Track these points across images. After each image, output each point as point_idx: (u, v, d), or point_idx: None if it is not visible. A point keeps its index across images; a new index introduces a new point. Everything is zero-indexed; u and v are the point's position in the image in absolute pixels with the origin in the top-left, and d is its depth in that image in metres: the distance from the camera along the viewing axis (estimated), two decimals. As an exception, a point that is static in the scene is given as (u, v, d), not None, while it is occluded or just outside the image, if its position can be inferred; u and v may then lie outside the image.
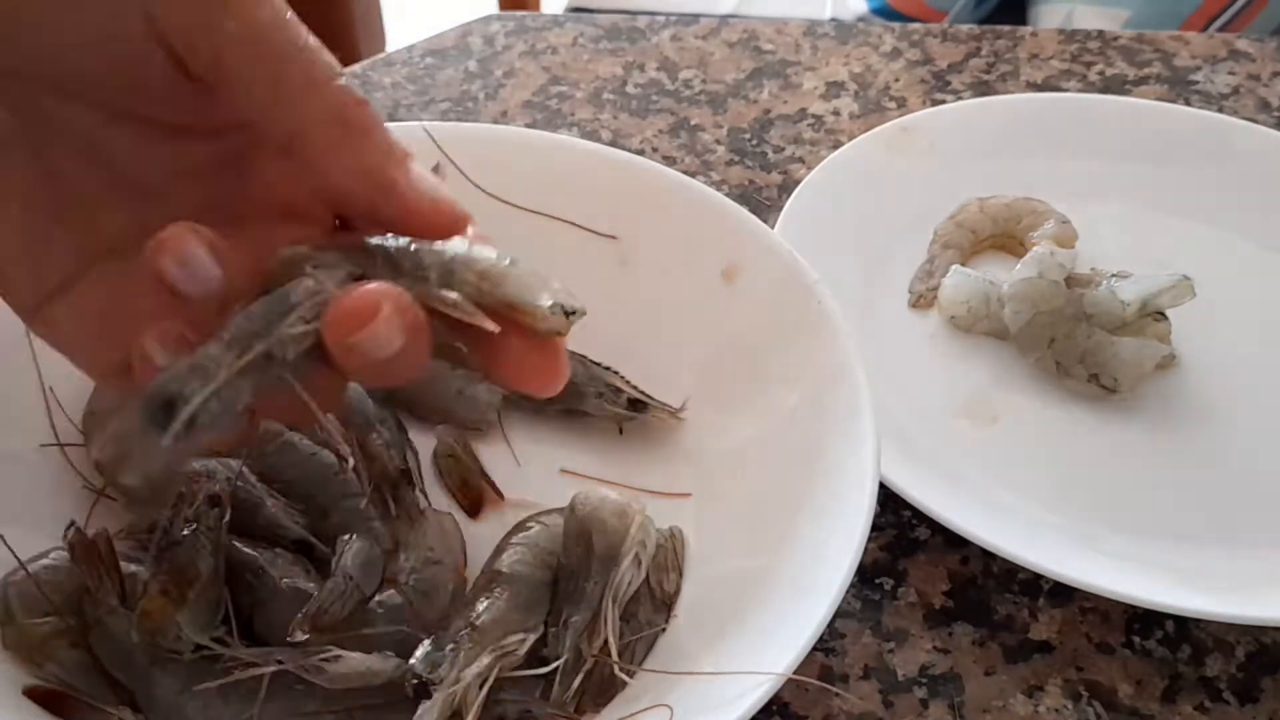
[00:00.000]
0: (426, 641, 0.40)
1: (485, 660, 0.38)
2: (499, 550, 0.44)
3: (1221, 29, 0.99)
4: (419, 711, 0.37)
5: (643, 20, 0.83)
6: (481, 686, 0.38)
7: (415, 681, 0.38)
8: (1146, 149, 0.67)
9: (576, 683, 0.40)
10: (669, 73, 0.78)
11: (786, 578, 0.41)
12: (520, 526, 0.45)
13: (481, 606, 0.41)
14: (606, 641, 0.40)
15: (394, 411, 0.50)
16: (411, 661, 0.39)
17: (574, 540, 0.43)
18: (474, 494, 0.48)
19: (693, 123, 0.73)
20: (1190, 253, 0.60)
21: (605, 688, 0.41)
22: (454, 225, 0.28)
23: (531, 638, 0.41)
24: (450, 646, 0.39)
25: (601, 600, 0.41)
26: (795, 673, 0.36)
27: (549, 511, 0.46)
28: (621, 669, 0.40)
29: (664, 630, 0.43)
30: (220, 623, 0.40)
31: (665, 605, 0.44)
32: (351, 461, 0.45)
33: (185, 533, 0.40)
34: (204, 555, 0.40)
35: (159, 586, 0.39)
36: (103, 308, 0.29)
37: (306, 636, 0.38)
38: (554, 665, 0.40)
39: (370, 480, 0.46)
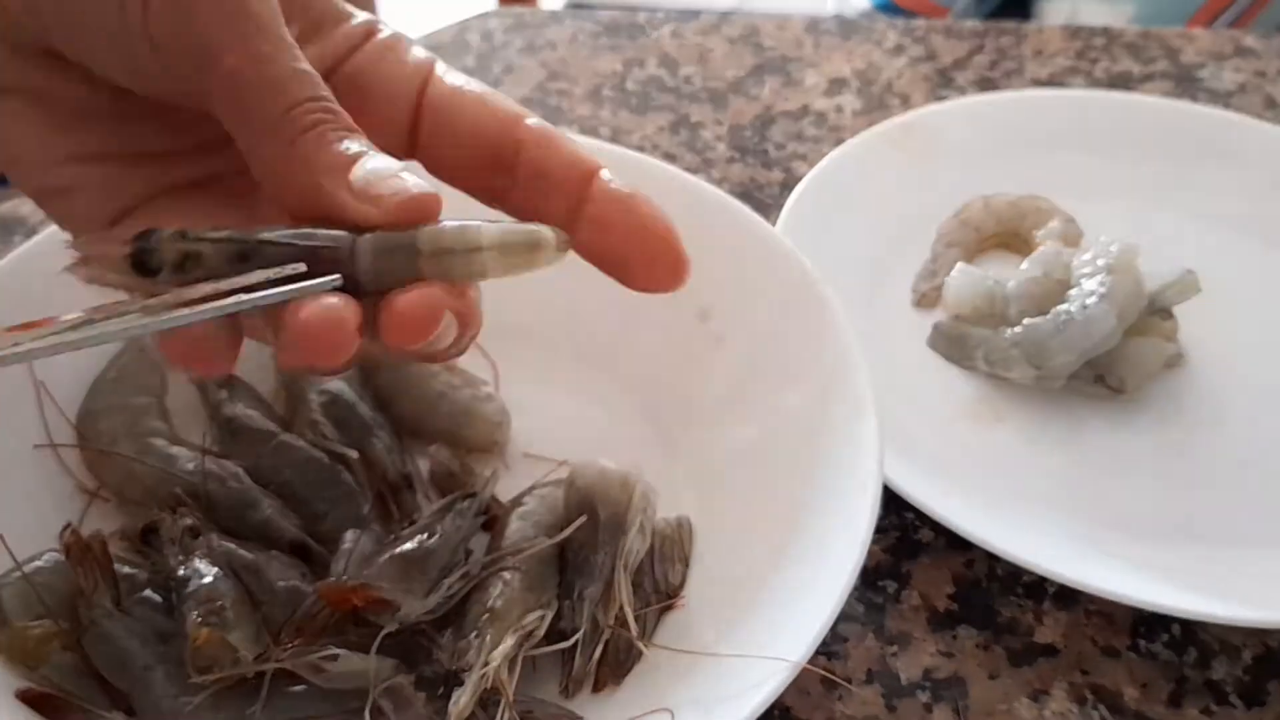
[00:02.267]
0: (446, 632, 0.40)
1: (509, 642, 0.39)
2: (499, 529, 0.44)
3: (1228, 24, 0.99)
4: (452, 699, 0.37)
5: (643, 16, 0.82)
6: (510, 667, 0.39)
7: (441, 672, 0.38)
8: (1152, 146, 0.67)
9: (596, 654, 0.41)
10: (669, 69, 0.77)
11: (792, 574, 0.41)
12: (516, 502, 0.45)
13: (496, 590, 0.41)
14: (622, 609, 0.41)
15: (390, 422, 0.49)
16: (437, 654, 0.39)
17: (576, 513, 0.44)
18: (492, 520, 0.47)
19: (693, 120, 0.73)
20: (1196, 250, 0.59)
21: (623, 659, 0.41)
22: (422, 215, 0.27)
23: (549, 614, 0.41)
24: (474, 633, 0.39)
25: (613, 571, 0.42)
26: (796, 673, 0.36)
27: (542, 484, 0.46)
28: (637, 638, 0.41)
29: (671, 606, 0.43)
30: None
31: (670, 597, 0.44)
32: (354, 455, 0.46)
33: (183, 571, 0.40)
34: (216, 577, 0.40)
35: (197, 620, 0.38)
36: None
37: (299, 640, 0.38)
38: (574, 639, 0.41)
39: (371, 485, 0.46)
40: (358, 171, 0.27)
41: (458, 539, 0.42)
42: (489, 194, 0.31)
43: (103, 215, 0.30)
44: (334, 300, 0.26)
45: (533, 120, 0.30)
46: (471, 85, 0.31)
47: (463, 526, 0.42)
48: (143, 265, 0.26)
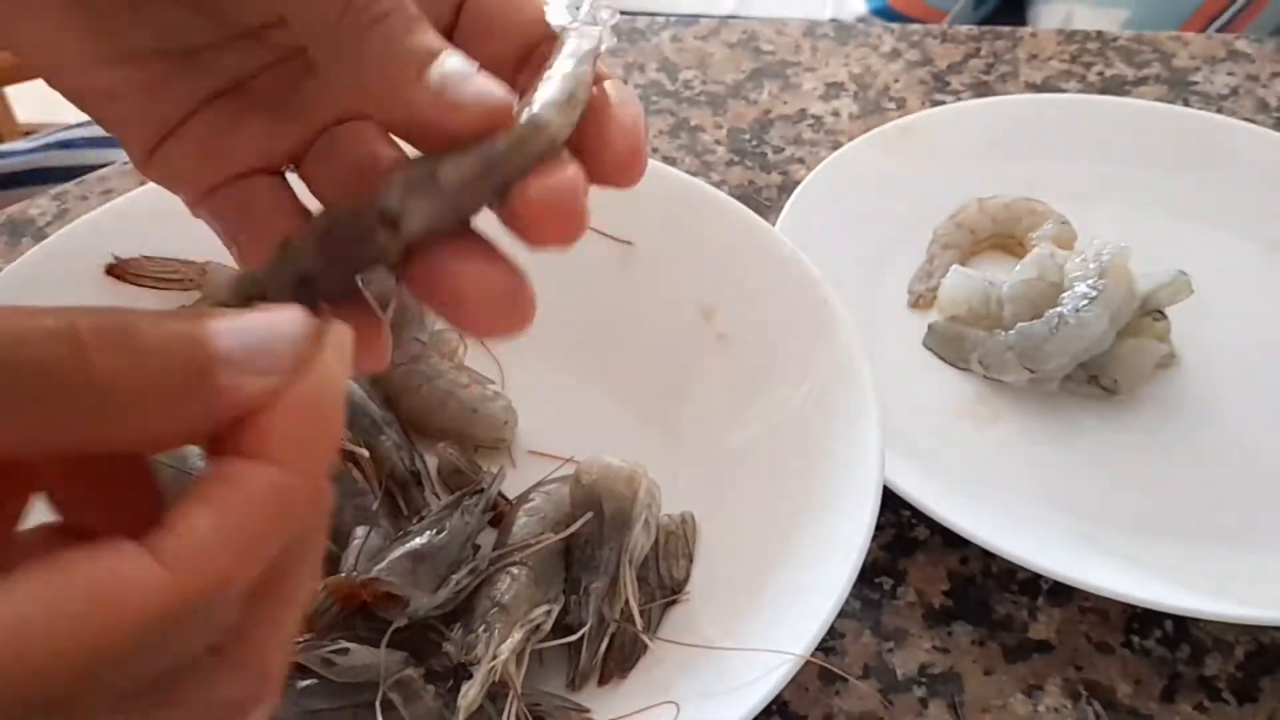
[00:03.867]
0: (455, 626, 0.40)
1: (517, 635, 0.40)
2: (506, 525, 0.45)
3: (1221, 29, 1.00)
4: (461, 691, 0.38)
5: (643, 21, 0.83)
6: (518, 661, 0.39)
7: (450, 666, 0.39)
8: (1146, 150, 0.67)
9: (602, 648, 0.41)
10: (669, 73, 0.78)
11: (794, 569, 0.41)
12: (522, 498, 0.46)
13: (504, 584, 0.41)
14: (627, 603, 0.42)
15: (397, 419, 0.50)
16: (446, 647, 0.40)
17: (583, 509, 0.44)
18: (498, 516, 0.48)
19: (693, 123, 0.73)
20: (1189, 253, 0.60)
21: (629, 652, 0.42)
22: (501, 123, 0.25)
23: (556, 609, 0.42)
24: (483, 627, 0.40)
25: (618, 566, 0.43)
26: (799, 666, 0.37)
27: (549, 481, 0.47)
28: (642, 632, 0.42)
29: (676, 601, 0.44)
30: None
31: (675, 592, 0.44)
32: (364, 456, 0.46)
33: None
34: None
35: None
36: (205, 141, 0.29)
37: (310, 635, 0.39)
38: (580, 633, 0.41)
39: (380, 482, 0.46)
40: (434, 72, 0.25)
41: (465, 535, 0.42)
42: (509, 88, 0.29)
43: (149, 120, 0.29)
44: (562, 169, 0.25)
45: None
46: None
47: (470, 522, 0.43)
48: None
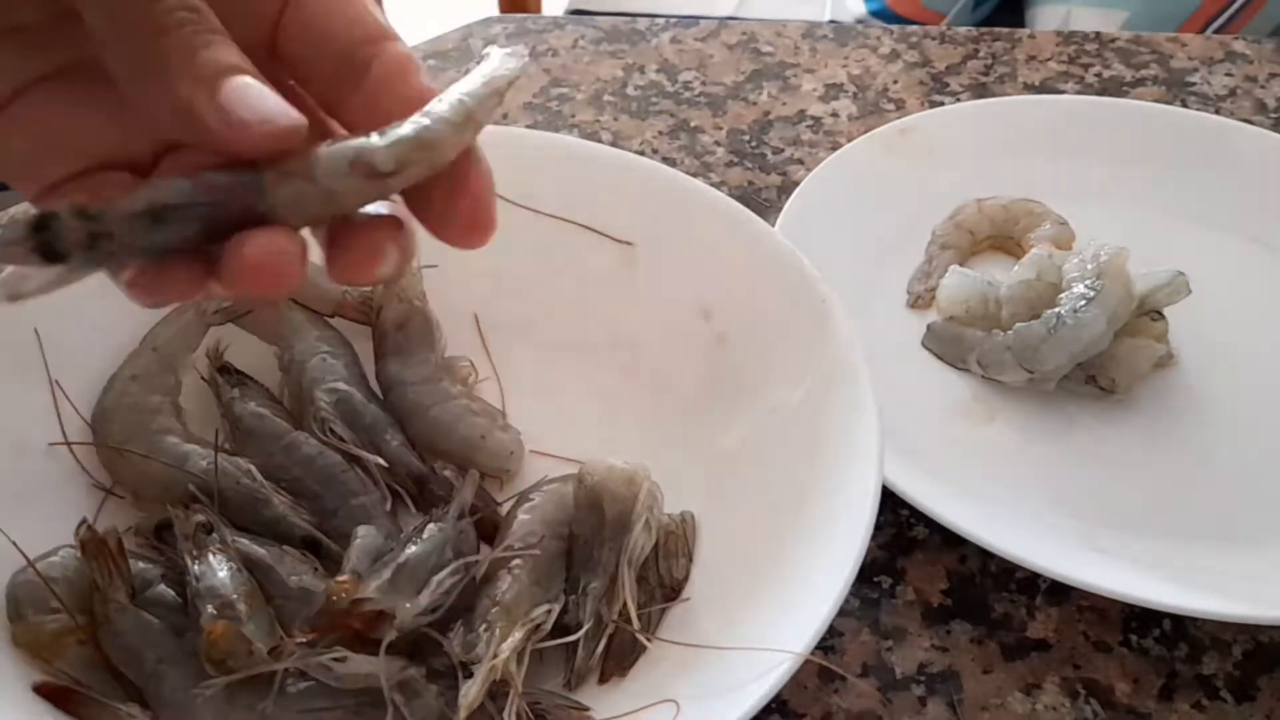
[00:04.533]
0: (457, 625, 0.41)
1: (518, 635, 0.40)
2: (507, 523, 0.45)
3: (1219, 30, 1.00)
4: (462, 690, 0.38)
5: (643, 22, 0.83)
6: (518, 659, 0.39)
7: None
8: (1144, 150, 0.67)
9: (600, 648, 0.42)
10: (669, 75, 0.78)
11: (794, 568, 0.42)
12: (523, 497, 0.46)
13: (504, 584, 0.42)
14: (625, 605, 0.42)
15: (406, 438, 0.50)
16: (447, 647, 0.40)
17: (585, 510, 0.44)
18: (489, 528, 0.47)
19: (692, 124, 0.74)
20: (1188, 253, 0.60)
21: (627, 652, 0.42)
22: (288, 147, 0.25)
23: (556, 608, 0.42)
24: (483, 626, 0.40)
25: (617, 566, 0.43)
26: (799, 665, 0.37)
27: (550, 480, 0.47)
28: (640, 632, 0.42)
29: (675, 601, 0.44)
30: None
31: (674, 590, 0.44)
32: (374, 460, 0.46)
33: (197, 567, 0.41)
34: (230, 572, 0.41)
35: (212, 614, 0.39)
36: (41, 125, 0.28)
37: (312, 635, 0.39)
38: (578, 634, 0.41)
39: (391, 482, 0.47)
40: (225, 90, 0.24)
41: (442, 542, 0.42)
42: (324, 104, 0.29)
43: None
44: (276, 234, 0.24)
45: (399, 46, 0.28)
46: None
47: (446, 529, 0.43)
48: (51, 253, 0.23)
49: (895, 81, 0.78)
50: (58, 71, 0.28)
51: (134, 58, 0.25)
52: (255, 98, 0.25)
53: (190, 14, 0.25)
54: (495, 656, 0.39)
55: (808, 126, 0.74)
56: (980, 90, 0.77)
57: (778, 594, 0.41)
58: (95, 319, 0.48)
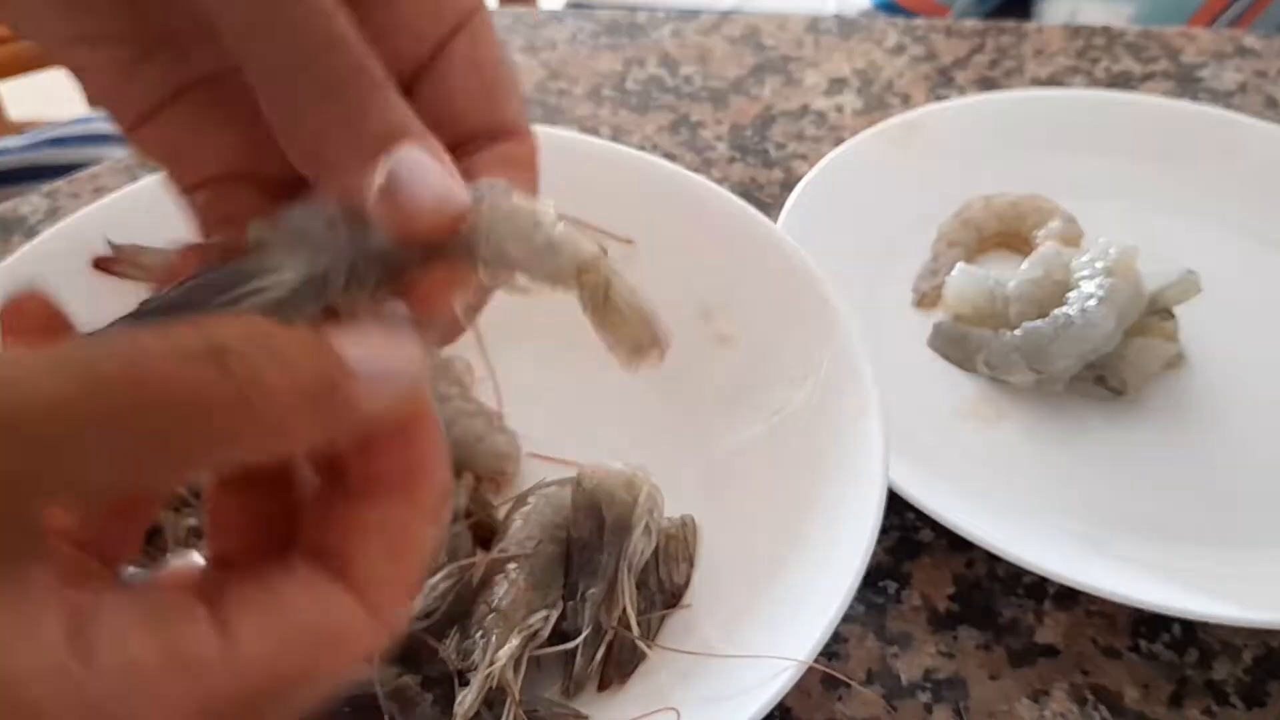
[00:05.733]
0: (453, 631, 0.40)
1: (515, 642, 0.39)
2: (503, 527, 0.44)
3: (1229, 24, 0.99)
4: (458, 699, 0.37)
5: (643, 15, 0.82)
6: (515, 667, 0.39)
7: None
8: (1153, 146, 0.67)
9: (599, 655, 0.41)
10: (669, 68, 0.77)
11: (797, 574, 0.41)
12: (520, 501, 0.45)
13: (501, 589, 0.41)
14: (625, 611, 0.41)
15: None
16: (443, 653, 0.39)
17: (583, 514, 0.44)
18: (485, 532, 0.47)
19: (693, 119, 0.73)
20: (1197, 250, 0.60)
21: (627, 659, 0.42)
22: (445, 229, 0.24)
23: (554, 614, 0.41)
24: (480, 633, 0.39)
25: (616, 571, 0.42)
26: (802, 672, 0.36)
27: (547, 483, 0.46)
28: (640, 639, 0.41)
29: (675, 608, 0.43)
30: None
31: (675, 596, 0.44)
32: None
33: None
34: None
35: None
36: (176, 136, 0.28)
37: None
38: (577, 641, 0.41)
39: None
40: (388, 164, 0.22)
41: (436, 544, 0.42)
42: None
43: (121, 100, 0.28)
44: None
45: (525, 143, 0.27)
46: (492, 61, 0.27)
47: (440, 532, 0.42)
48: None
49: (900, 75, 0.77)
50: (195, 82, 0.28)
51: (293, 114, 0.23)
52: (422, 175, 0.23)
53: (352, 66, 0.23)
54: (492, 664, 0.38)
55: (811, 121, 0.73)
56: (987, 85, 0.76)
57: (780, 600, 0.41)
58: (96, 319, 0.47)
